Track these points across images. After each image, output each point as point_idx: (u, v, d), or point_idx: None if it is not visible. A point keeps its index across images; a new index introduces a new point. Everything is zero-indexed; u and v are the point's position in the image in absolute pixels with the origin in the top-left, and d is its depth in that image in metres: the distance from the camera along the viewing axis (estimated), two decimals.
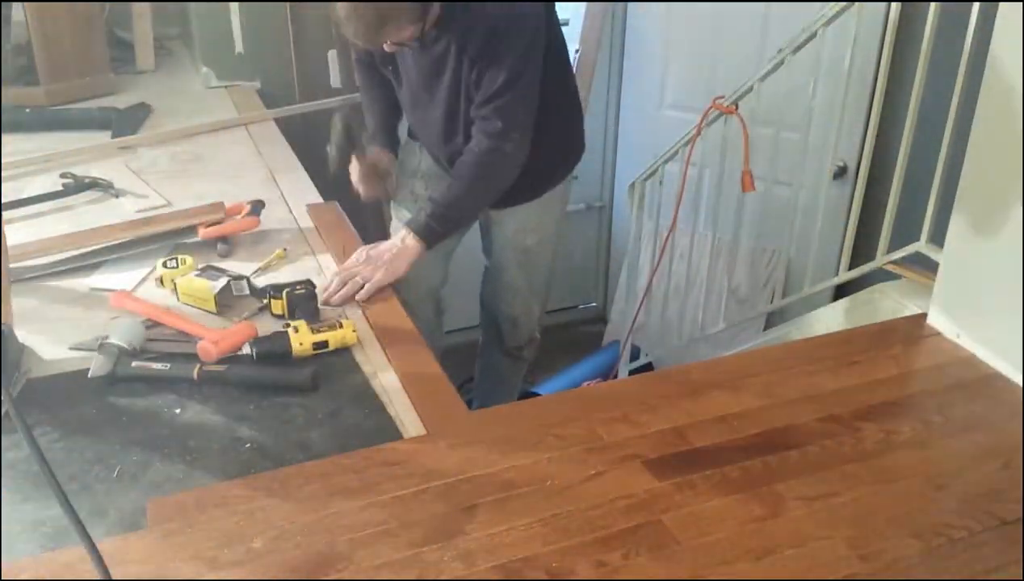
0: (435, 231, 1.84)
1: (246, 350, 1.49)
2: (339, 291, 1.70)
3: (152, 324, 1.58)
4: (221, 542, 1.12)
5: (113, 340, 1.44)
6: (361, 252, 1.79)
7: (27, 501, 1.19)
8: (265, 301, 1.64)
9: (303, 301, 1.61)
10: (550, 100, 1.92)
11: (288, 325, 1.53)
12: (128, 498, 1.21)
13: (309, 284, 1.64)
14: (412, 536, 1.14)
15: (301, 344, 1.50)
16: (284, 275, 1.78)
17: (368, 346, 1.56)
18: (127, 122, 2.51)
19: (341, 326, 1.54)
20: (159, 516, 1.16)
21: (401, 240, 1.81)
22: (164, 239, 1.86)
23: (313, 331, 1.51)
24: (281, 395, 1.42)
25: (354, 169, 2.01)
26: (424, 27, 1.69)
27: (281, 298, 1.60)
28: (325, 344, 1.51)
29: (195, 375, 1.43)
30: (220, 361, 1.47)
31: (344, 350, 1.54)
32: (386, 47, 1.73)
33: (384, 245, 1.81)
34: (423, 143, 2.13)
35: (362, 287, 1.71)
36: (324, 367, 1.48)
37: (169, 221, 1.90)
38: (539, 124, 1.90)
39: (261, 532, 1.14)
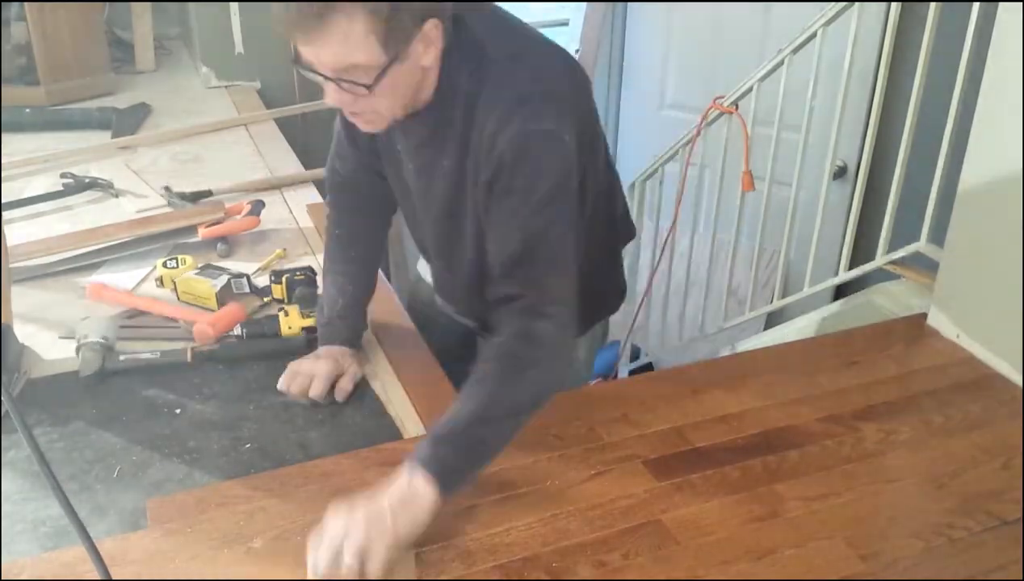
0: (456, 472, 1.14)
1: (237, 330, 1.54)
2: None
3: (130, 316, 1.60)
4: (221, 542, 1.12)
5: (92, 338, 1.45)
6: (344, 516, 1.08)
7: (27, 501, 1.19)
8: (266, 299, 1.66)
9: (301, 286, 1.64)
10: (591, 230, 1.37)
11: (281, 310, 1.56)
12: (128, 498, 1.21)
13: (309, 271, 1.67)
14: None
15: (290, 327, 1.54)
16: None
17: (368, 346, 1.56)
18: (127, 122, 2.51)
19: None
20: (159, 516, 1.16)
21: (408, 484, 1.10)
22: (164, 239, 1.86)
23: (304, 316, 1.55)
24: (280, 394, 1.41)
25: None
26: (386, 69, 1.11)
27: (281, 283, 1.65)
28: (314, 329, 1.53)
29: (188, 358, 1.47)
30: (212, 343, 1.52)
31: None
32: (333, 97, 1.16)
33: (378, 498, 1.09)
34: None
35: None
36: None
37: (169, 221, 1.90)
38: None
39: (261, 532, 1.14)
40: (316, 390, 1.37)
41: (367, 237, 1.53)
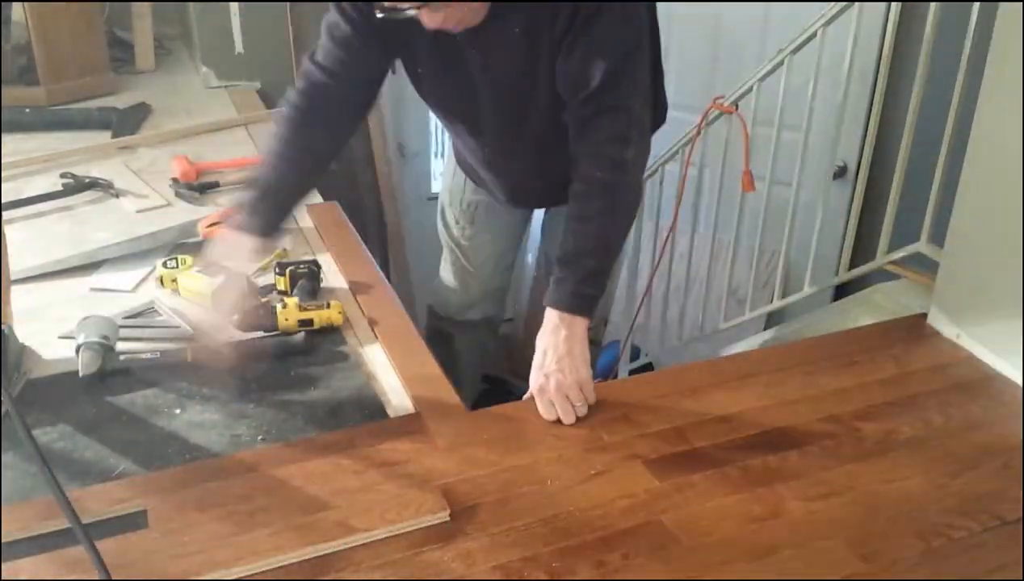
0: (589, 296, 1.41)
1: (234, 320, 1.54)
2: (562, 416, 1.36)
3: (129, 316, 1.61)
4: (221, 542, 1.12)
5: (92, 338, 1.45)
6: (541, 374, 1.38)
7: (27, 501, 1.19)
8: (264, 299, 1.65)
9: (304, 278, 1.65)
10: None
11: (280, 301, 1.57)
12: None
13: (314, 264, 1.68)
14: (412, 536, 1.14)
15: (287, 320, 1.54)
16: None
17: (368, 346, 1.56)
18: (127, 122, 2.51)
19: (328, 306, 1.58)
20: (159, 516, 1.16)
21: (565, 328, 1.38)
22: (166, 237, 1.87)
23: (301, 309, 1.55)
24: (280, 394, 1.42)
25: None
26: None
27: (284, 275, 1.66)
28: (310, 322, 1.55)
29: (188, 357, 1.47)
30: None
31: (345, 351, 1.54)
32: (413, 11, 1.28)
33: (549, 350, 1.38)
34: (468, 164, 1.79)
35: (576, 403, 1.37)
36: (324, 367, 1.49)
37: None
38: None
39: (261, 532, 1.14)
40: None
41: (324, 137, 1.53)
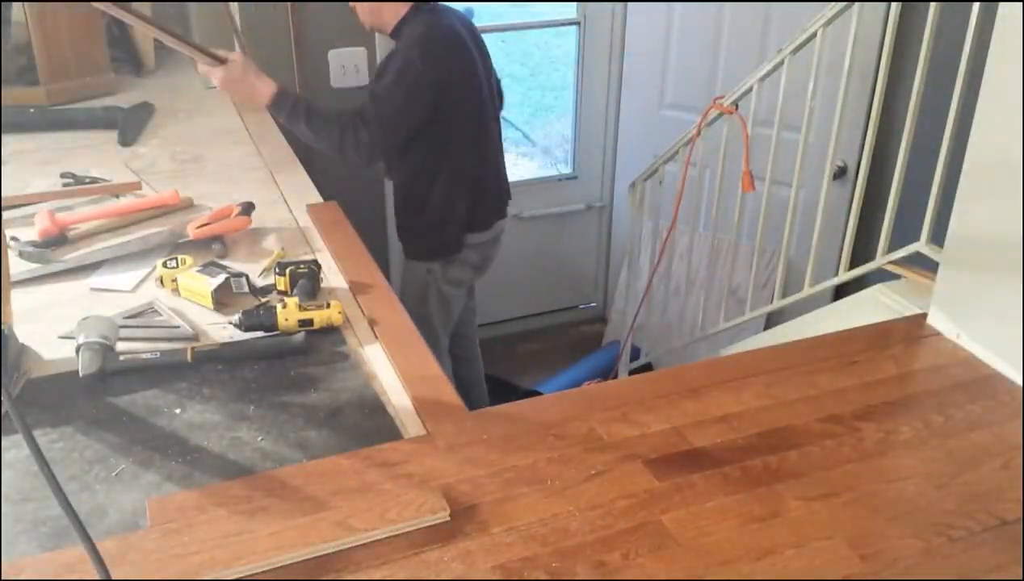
0: (281, 108, 2.20)
1: (235, 319, 1.55)
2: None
3: (129, 316, 1.61)
4: (221, 542, 1.12)
5: (92, 338, 1.45)
6: (241, 58, 2.13)
7: (27, 501, 1.19)
8: (264, 299, 1.66)
9: (304, 278, 1.66)
10: (435, 177, 2.32)
11: (281, 301, 1.57)
12: (128, 498, 1.21)
13: (314, 264, 1.69)
14: (412, 536, 1.14)
15: (287, 319, 1.55)
16: None
17: (369, 346, 1.56)
18: (132, 122, 2.51)
19: (328, 306, 1.58)
20: (159, 516, 1.16)
21: (264, 83, 2.17)
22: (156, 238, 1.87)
23: (301, 309, 1.56)
24: (280, 394, 1.42)
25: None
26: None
27: (285, 275, 1.66)
28: (310, 322, 1.55)
29: (189, 357, 1.47)
30: (212, 343, 1.53)
31: (345, 351, 1.54)
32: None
33: (252, 70, 2.15)
34: None
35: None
36: (324, 368, 1.49)
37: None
38: (417, 192, 2.36)
39: (261, 532, 1.14)
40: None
41: None
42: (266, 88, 2.16)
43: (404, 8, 2.25)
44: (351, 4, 2.31)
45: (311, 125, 2.19)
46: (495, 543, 1.13)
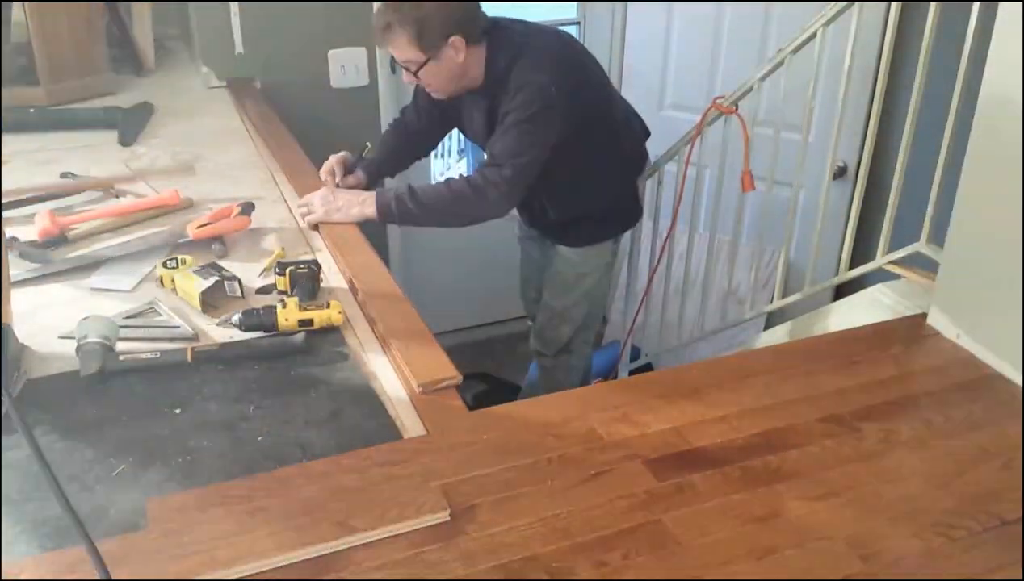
0: (392, 215, 2.04)
1: (235, 319, 1.55)
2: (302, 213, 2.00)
3: (129, 316, 1.61)
4: (221, 542, 1.12)
5: (92, 338, 1.45)
6: (327, 191, 2.03)
7: (27, 501, 1.19)
8: (257, 307, 1.64)
9: (304, 279, 1.66)
10: (596, 164, 2.21)
11: (281, 301, 1.57)
12: (128, 498, 1.20)
13: (314, 264, 1.69)
14: (412, 536, 1.14)
15: (287, 320, 1.55)
16: None
17: (368, 346, 1.56)
18: (132, 122, 2.51)
19: (328, 306, 1.58)
20: (159, 516, 1.16)
21: (362, 202, 2.01)
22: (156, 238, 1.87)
23: (301, 309, 1.56)
24: (280, 394, 1.42)
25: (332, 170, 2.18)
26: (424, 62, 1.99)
27: (285, 275, 1.66)
28: (310, 322, 1.55)
29: (188, 357, 1.47)
30: (212, 343, 1.53)
31: (345, 351, 1.54)
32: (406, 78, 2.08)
33: (346, 195, 2.02)
34: None
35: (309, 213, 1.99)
36: (324, 368, 1.49)
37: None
38: (584, 184, 2.23)
39: (261, 532, 1.14)
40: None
41: (409, 139, 2.37)
42: (365, 197, 2.03)
43: (481, 52, 2.04)
44: (422, 83, 2.07)
45: (426, 217, 2.05)
46: (495, 543, 1.13)
